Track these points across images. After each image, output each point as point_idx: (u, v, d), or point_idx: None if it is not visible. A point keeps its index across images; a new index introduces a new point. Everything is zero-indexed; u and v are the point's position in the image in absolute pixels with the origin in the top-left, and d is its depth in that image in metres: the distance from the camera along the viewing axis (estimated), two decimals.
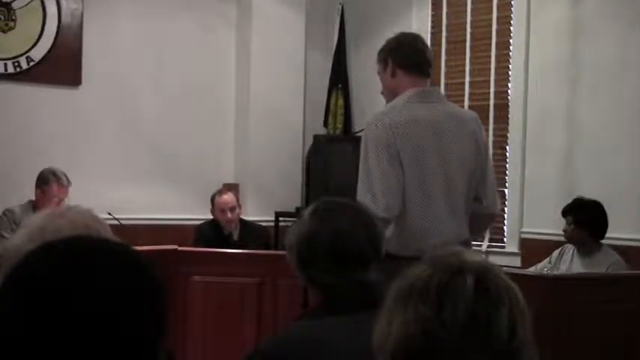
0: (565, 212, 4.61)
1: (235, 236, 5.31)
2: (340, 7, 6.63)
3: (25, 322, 1.01)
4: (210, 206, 5.33)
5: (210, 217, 5.35)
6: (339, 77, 6.59)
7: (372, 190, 2.99)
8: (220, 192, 5.36)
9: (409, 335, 1.10)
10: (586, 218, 4.51)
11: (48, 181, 4.88)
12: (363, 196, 3.01)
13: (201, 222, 5.41)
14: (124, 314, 1.03)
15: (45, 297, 1.02)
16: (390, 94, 3.24)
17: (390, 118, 3.06)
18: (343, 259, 1.92)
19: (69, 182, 4.92)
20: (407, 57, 3.19)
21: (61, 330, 1.00)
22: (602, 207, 4.50)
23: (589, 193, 4.66)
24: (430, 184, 3.05)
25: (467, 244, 3.19)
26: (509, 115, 5.58)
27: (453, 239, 3.06)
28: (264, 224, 5.73)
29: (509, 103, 5.60)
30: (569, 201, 4.69)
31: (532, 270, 4.62)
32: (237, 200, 5.42)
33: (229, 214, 5.25)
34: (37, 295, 1.02)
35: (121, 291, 1.04)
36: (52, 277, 1.04)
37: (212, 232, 5.28)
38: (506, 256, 5.20)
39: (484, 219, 3.32)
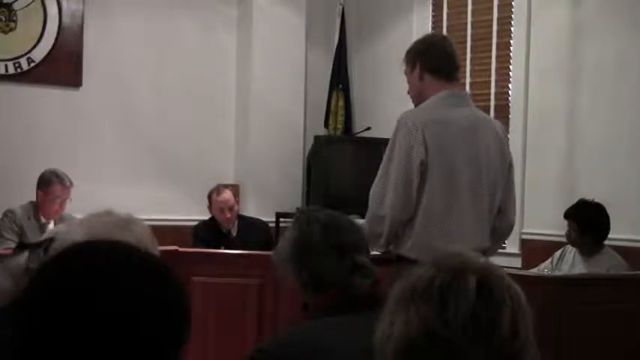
0: (568, 215, 4.57)
1: (234, 233, 5.28)
2: (341, 7, 6.63)
3: (47, 320, 1.02)
4: (208, 203, 5.32)
5: (208, 215, 5.34)
6: (340, 78, 6.59)
7: (384, 191, 2.99)
8: (218, 190, 5.29)
9: (411, 336, 1.10)
10: (590, 224, 4.47)
11: (50, 183, 4.86)
12: (374, 192, 3.03)
13: (197, 222, 5.38)
14: (145, 316, 1.05)
15: (68, 297, 1.03)
16: (417, 96, 3.20)
17: (423, 118, 3.03)
18: (339, 244, 1.98)
19: (71, 183, 4.92)
20: (435, 61, 3.15)
21: (83, 330, 1.02)
22: (606, 211, 4.47)
23: (589, 194, 4.65)
24: (456, 188, 3.01)
25: (485, 252, 3.13)
26: (510, 116, 5.58)
27: (475, 247, 3.02)
28: None
29: (510, 104, 5.61)
30: (570, 202, 4.69)
31: (533, 271, 4.62)
32: (235, 197, 5.38)
33: (228, 214, 5.22)
34: (59, 294, 1.04)
35: (143, 293, 1.06)
36: (75, 277, 1.05)
37: (210, 231, 5.24)
38: (506, 257, 5.19)
39: (506, 230, 3.30)
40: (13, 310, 1.09)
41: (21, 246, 1.85)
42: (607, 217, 4.47)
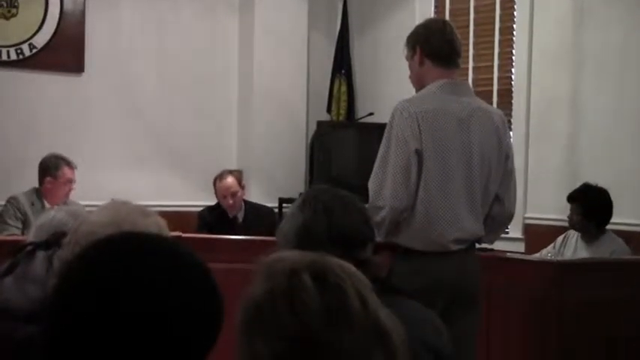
0: (572, 198, 4.56)
1: (240, 218, 5.28)
2: None
3: (81, 321, 1.03)
4: (213, 189, 5.31)
5: (216, 200, 5.33)
6: (343, 63, 6.58)
7: (383, 181, 2.98)
8: (221, 176, 5.25)
9: (280, 352, 1.10)
10: (594, 209, 4.45)
11: (59, 167, 4.83)
12: (372, 182, 3.02)
13: (204, 208, 5.39)
14: (178, 317, 1.07)
15: (110, 296, 1.04)
16: (417, 82, 3.19)
17: (418, 106, 3.01)
18: (343, 241, 1.96)
19: (75, 165, 4.91)
20: (436, 47, 3.12)
21: (114, 330, 1.03)
22: (609, 196, 4.46)
23: (592, 179, 4.64)
24: (451, 178, 3.00)
25: (480, 240, 3.16)
26: (513, 101, 5.57)
27: (470, 235, 3.05)
28: None
29: (513, 89, 5.60)
30: (573, 186, 4.68)
31: (536, 256, 4.62)
32: (240, 183, 5.37)
33: (230, 200, 5.20)
34: (102, 294, 1.04)
35: (176, 295, 1.09)
36: (117, 276, 1.06)
37: (216, 216, 5.23)
38: (510, 242, 5.21)
39: (504, 220, 3.28)
40: (50, 312, 1.08)
41: (29, 248, 1.80)
42: (611, 202, 4.46)
